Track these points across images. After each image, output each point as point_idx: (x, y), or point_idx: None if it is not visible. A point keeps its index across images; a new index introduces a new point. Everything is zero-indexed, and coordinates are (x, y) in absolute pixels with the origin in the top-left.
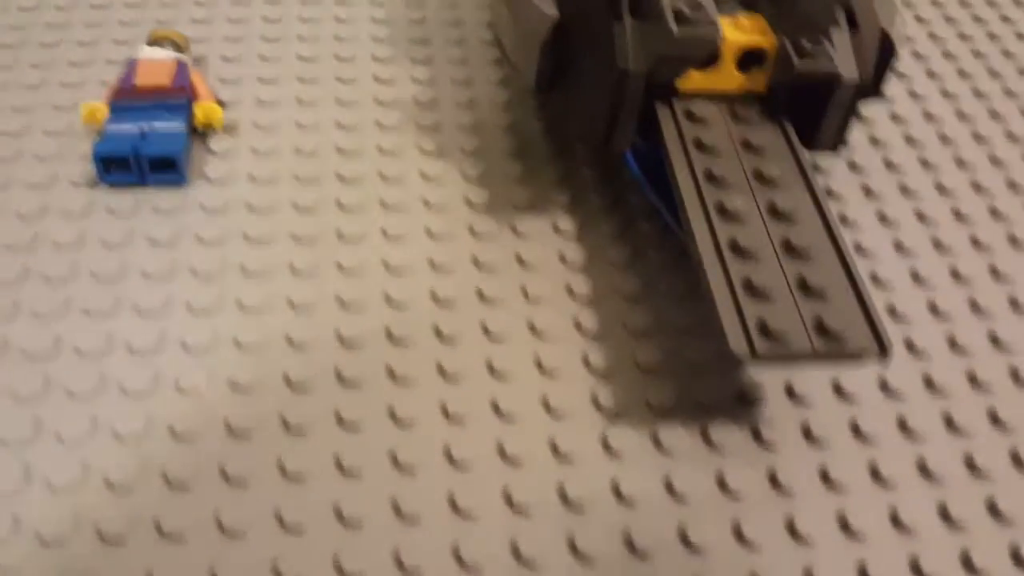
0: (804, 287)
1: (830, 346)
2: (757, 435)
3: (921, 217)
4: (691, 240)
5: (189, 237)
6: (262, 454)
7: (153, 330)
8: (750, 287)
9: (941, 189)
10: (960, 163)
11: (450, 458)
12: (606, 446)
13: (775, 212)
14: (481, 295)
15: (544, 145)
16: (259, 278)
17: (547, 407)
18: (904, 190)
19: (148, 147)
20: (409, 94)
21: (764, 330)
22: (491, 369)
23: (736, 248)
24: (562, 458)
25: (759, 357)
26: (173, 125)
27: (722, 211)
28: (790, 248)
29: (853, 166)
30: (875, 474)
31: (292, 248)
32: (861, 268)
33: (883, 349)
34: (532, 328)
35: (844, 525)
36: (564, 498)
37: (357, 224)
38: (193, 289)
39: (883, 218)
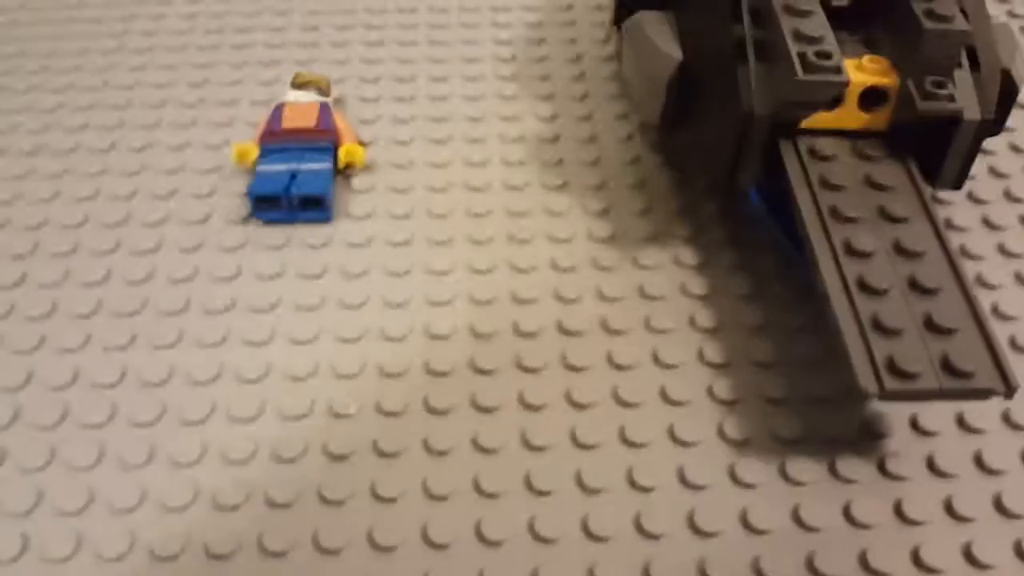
0: (930, 324)
1: (957, 384)
2: (883, 467)
3: None
4: (818, 276)
5: (336, 270)
6: (407, 474)
7: (306, 357)
8: (878, 324)
9: None
10: None
11: (580, 483)
12: (733, 476)
13: (900, 249)
14: (605, 326)
15: (665, 179)
16: (399, 309)
17: (673, 437)
18: None
19: (299, 187)
20: (533, 131)
21: (892, 367)
22: (617, 398)
23: (863, 285)
24: (690, 487)
25: (888, 394)
26: (320, 166)
27: (848, 248)
28: (916, 285)
29: (974, 198)
30: (1000, 507)
31: (427, 280)
32: (983, 301)
33: (1009, 387)
34: (656, 359)
35: (970, 557)
36: (693, 527)
37: (486, 257)
38: (340, 319)
39: (1005, 250)
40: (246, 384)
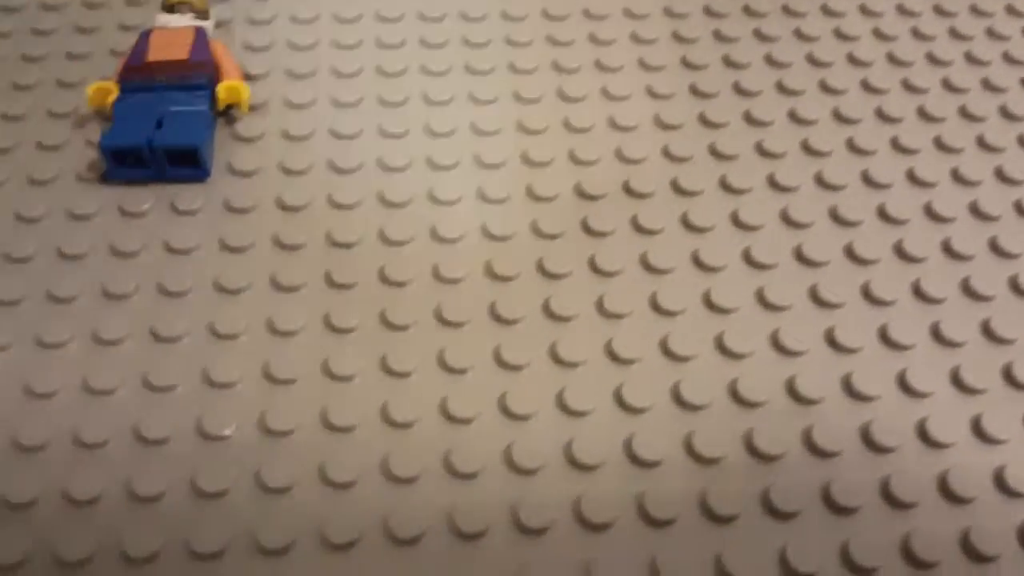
0: None
1: None
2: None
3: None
4: None
5: (213, 243)
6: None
7: (173, 362)
8: None
9: None
10: None
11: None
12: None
13: None
14: None
15: None
16: (291, 294)
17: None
18: None
19: (165, 137)
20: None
21: None
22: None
23: None
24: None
25: None
26: (193, 109)
27: None
28: None
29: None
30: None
31: (330, 255)
32: None
33: None
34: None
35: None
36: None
37: (402, 228)
38: (217, 307)
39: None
40: (98, 399)
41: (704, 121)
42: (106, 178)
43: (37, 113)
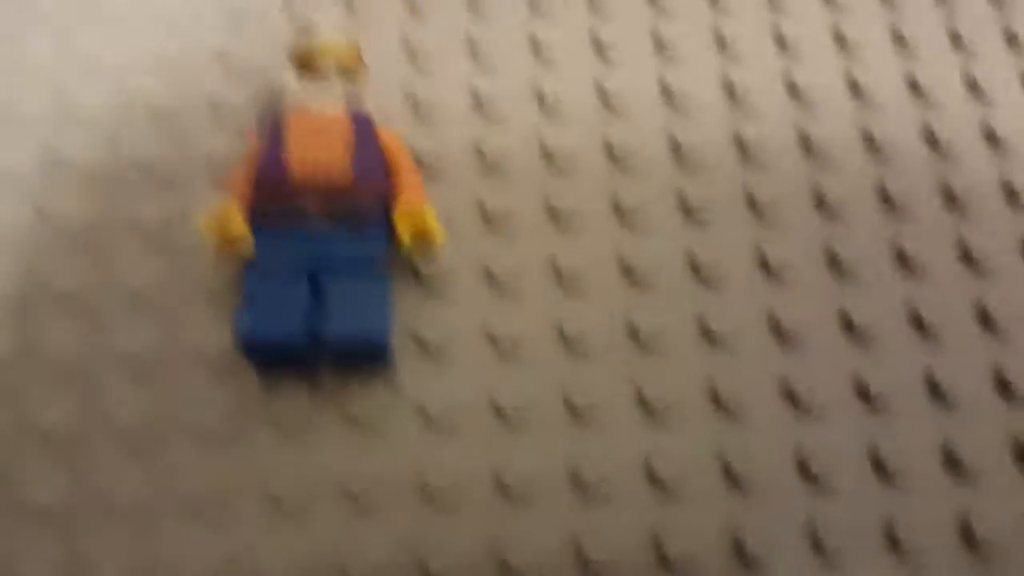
0: None
1: None
2: None
3: None
4: None
5: (408, 481)
6: None
7: None
8: None
9: None
10: None
11: None
12: None
13: None
14: None
15: None
16: None
17: None
18: None
19: (334, 324)
20: None
21: None
22: None
23: None
24: None
25: None
26: (368, 265)
27: None
28: None
29: None
30: None
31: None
32: None
33: None
34: None
35: None
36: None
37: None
38: None
39: None
40: None
41: None
42: (237, 362)
43: (125, 250)
